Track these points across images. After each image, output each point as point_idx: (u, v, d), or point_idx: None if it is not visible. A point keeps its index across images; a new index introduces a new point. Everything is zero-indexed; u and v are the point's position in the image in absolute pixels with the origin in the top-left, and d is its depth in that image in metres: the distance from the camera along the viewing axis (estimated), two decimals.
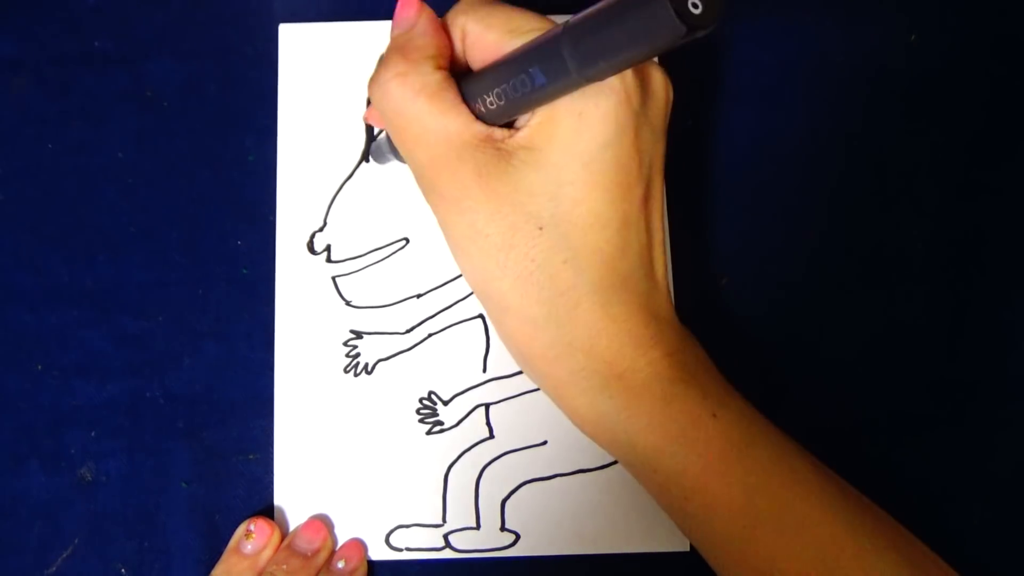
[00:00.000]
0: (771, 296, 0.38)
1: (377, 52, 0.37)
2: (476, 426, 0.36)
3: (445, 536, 0.35)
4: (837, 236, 0.38)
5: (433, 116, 0.28)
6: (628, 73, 0.27)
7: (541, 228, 0.27)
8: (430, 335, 0.37)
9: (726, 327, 0.37)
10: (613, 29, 0.22)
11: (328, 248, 0.37)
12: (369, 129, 0.38)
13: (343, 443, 0.36)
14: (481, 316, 0.37)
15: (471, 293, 0.37)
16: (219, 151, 0.38)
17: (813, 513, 0.28)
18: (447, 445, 0.36)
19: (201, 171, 0.38)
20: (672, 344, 0.29)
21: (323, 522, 0.35)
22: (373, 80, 0.29)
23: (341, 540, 0.35)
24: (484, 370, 0.36)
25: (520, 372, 0.36)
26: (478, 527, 0.35)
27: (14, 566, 0.35)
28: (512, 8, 0.28)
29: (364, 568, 0.35)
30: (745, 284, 0.38)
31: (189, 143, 0.38)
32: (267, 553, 0.34)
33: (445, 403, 0.36)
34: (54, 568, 0.35)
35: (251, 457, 0.36)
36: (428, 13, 0.29)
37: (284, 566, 0.34)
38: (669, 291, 0.30)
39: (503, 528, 0.35)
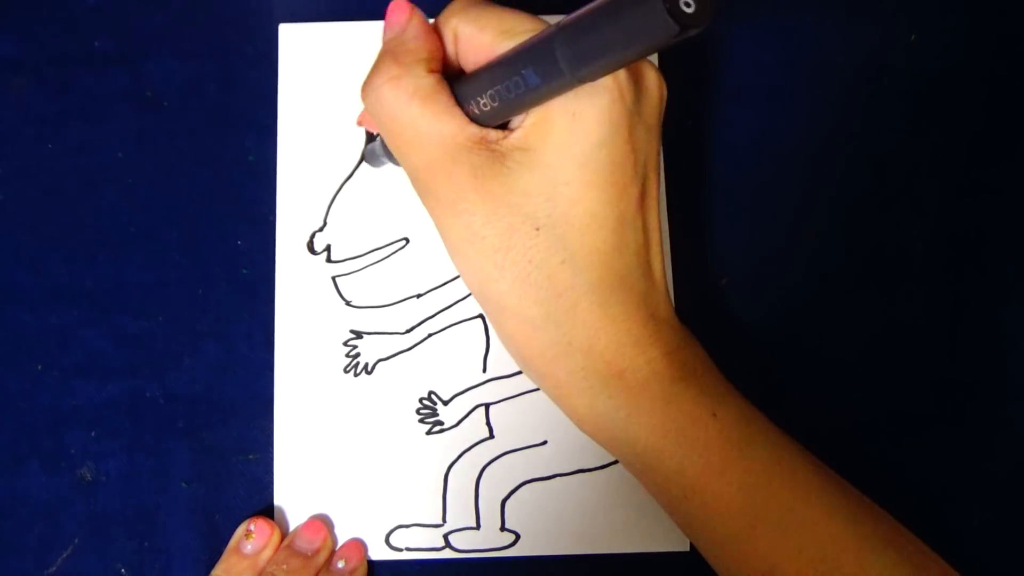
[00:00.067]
0: (771, 296, 0.38)
1: (377, 52, 0.37)
2: (476, 426, 0.36)
3: (445, 536, 0.35)
4: (837, 236, 0.38)
5: (427, 119, 0.27)
6: (621, 72, 0.27)
7: (538, 229, 0.27)
8: (430, 335, 0.37)
9: (726, 327, 0.37)
10: (606, 29, 0.22)
11: (328, 248, 0.37)
12: (368, 133, 0.38)
13: (343, 443, 0.36)
14: (481, 316, 0.37)
15: (471, 293, 0.37)
16: (219, 151, 0.38)
17: (813, 512, 0.28)
18: (447, 445, 0.36)
19: (201, 171, 0.38)
20: (671, 343, 0.29)
21: (323, 522, 0.35)
22: (366, 85, 0.29)
23: (341, 540, 0.35)
24: (484, 370, 0.36)
25: (520, 372, 0.36)
26: (478, 527, 0.35)
27: (14, 566, 0.35)
28: (504, 9, 0.28)
29: (364, 568, 0.35)
30: (745, 284, 0.38)
31: (189, 143, 0.38)
32: (267, 553, 0.34)
33: (445, 403, 0.36)
34: (54, 568, 0.35)
35: (251, 457, 0.36)
36: (419, 16, 0.29)
37: (284, 566, 0.34)
38: (667, 290, 0.30)
39: (503, 528, 0.35)
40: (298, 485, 0.35)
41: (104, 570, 0.35)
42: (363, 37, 0.38)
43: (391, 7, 0.29)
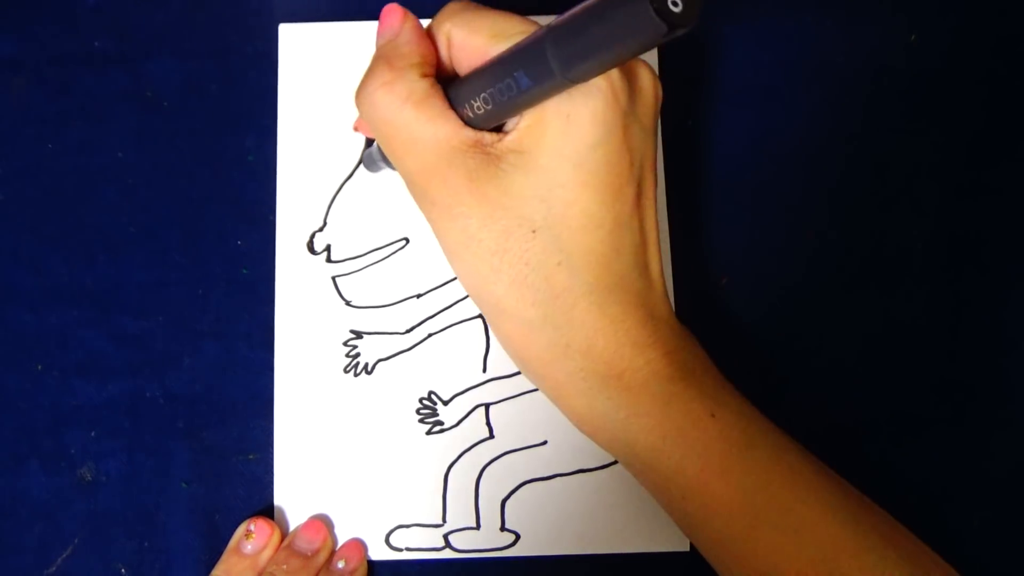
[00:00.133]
0: (771, 296, 0.38)
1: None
2: (476, 426, 0.36)
3: (445, 536, 0.35)
4: (837, 236, 0.38)
5: (421, 123, 0.27)
6: (615, 72, 0.27)
7: (534, 231, 0.27)
8: (430, 335, 0.37)
9: (726, 327, 0.37)
10: (595, 29, 0.22)
11: (328, 248, 0.37)
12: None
13: (343, 443, 0.36)
14: (481, 316, 0.37)
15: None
16: (219, 151, 0.38)
17: (812, 513, 0.28)
18: (447, 445, 0.36)
19: (201, 171, 0.38)
20: (670, 343, 0.29)
21: (323, 522, 0.35)
22: (359, 91, 0.29)
23: (341, 540, 0.35)
24: (484, 370, 0.36)
25: (520, 372, 0.36)
26: (478, 527, 0.35)
27: (14, 566, 0.35)
28: (497, 12, 0.28)
29: (364, 568, 0.35)
30: (745, 284, 0.38)
31: (189, 143, 0.38)
32: (267, 553, 0.34)
33: (445, 403, 0.36)
34: (54, 568, 0.35)
35: (251, 457, 0.36)
36: (412, 21, 0.29)
37: (284, 566, 0.34)
38: (666, 290, 0.30)
39: (503, 528, 0.35)
40: (298, 485, 0.35)
41: (104, 570, 0.35)
42: (363, 37, 0.38)
43: (384, 12, 0.29)
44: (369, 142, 0.37)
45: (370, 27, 0.38)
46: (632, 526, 0.35)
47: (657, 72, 0.38)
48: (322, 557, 0.34)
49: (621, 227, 0.28)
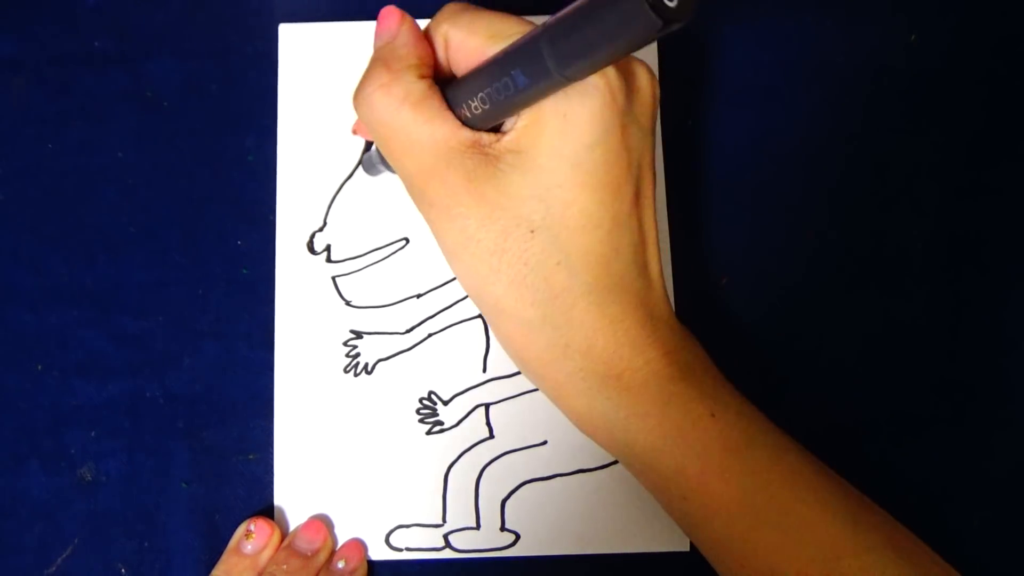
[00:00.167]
0: (771, 296, 0.38)
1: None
2: (476, 426, 0.36)
3: (445, 536, 0.35)
4: (837, 236, 0.38)
5: (418, 125, 0.27)
6: (612, 72, 0.27)
7: (532, 231, 0.27)
8: (430, 335, 0.37)
9: (726, 327, 0.37)
10: (590, 26, 0.23)
11: (328, 248, 0.37)
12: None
13: (343, 443, 0.36)
14: (481, 316, 0.37)
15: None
16: (219, 151, 0.38)
17: (812, 513, 0.28)
18: (447, 445, 0.36)
19: (201, 171, 0.38)
20: (670, 343, 0.29)
21: (323, 522, 0.35)
22: (357, 93, 0.29)
23: (341, 540, 0.35)
24: (484, 370, 0.36)
25: (520, 372, 0.36)
26: (478, 527, 0.35)
27: (14, 566, 0.35)
28: (493, 13, 0.28)
29: (364, 568, 0.35)
30: (745, 284, 0.38)
31: (189, 143, 0.38)
32: (267, 553, 0.34)
33: (445, 403, 0.36)
34: (54, 568, 0.35)
35: (251, 457, 0.36)
36: (409, 23, 0.29)
37: (284, 566, 0.34)
38: (666, 290, 0.30)
39: (503, 528, 0.35)
40: (298, 485, 0.35)
41: (104, 570, 0.35)
42: (363, 37, 0.38)
43: (381, 15, 0.29)
44: (368, 146, 0.37)
45: (370, 27, 0.38)
46: (632, 526, 0.35)
47: (657, 72, 0.38)
48: (322, 557, 0.34)
49: (620, 227, 0.28)
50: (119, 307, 0.37)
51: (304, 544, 0.34)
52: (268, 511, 0.35)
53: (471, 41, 0.28)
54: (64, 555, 0.35)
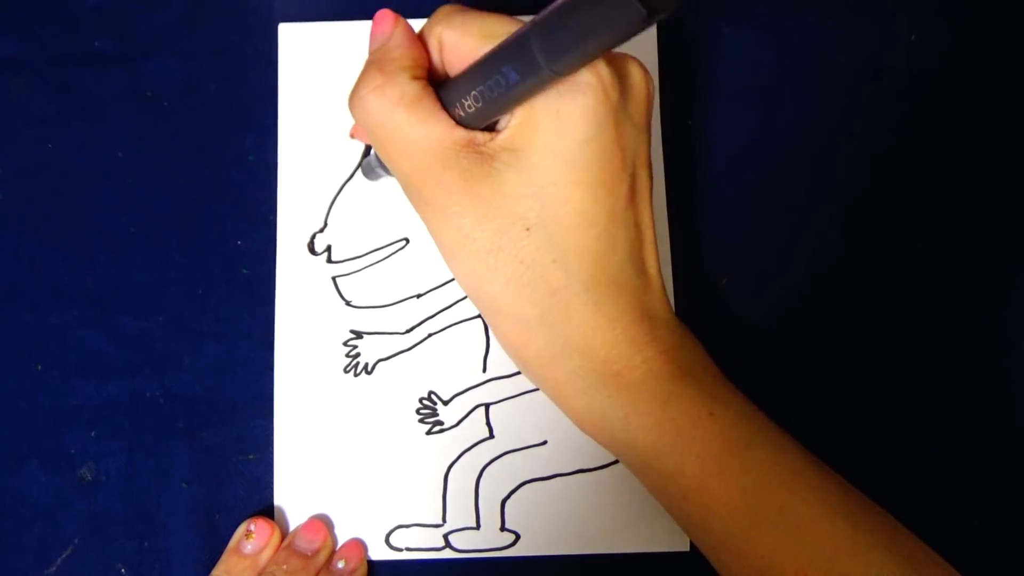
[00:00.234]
0: (771, 296, 0.38)
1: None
2: (476, 426, 0.36)
3: (445, 536, 0.35)
4: (837, 236, 0.38)
5: (413, 125, 0.28)
6: (605, 69, 0.27)
7: (528, 229, 0.27)
8: (430, 335, 0.37)
9: (726, 327, 0.37)
10: (577, 19, 0.23)
11: (329, 249, 0.37)
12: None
13: (343, 443, 0.36)
14: (481, 316, 0.37)
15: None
16: (219, 151, 0.38)
17: (812, 512, 0.28)
18: (447, 445, 0.36)
19: (201, 171, 0.38)
20: (668, 342, 0.29)
21: (323, 522, 0.35)
22: (352, 96, 0.29)
23: (341, 540, 0.35)
24: (484, 370, 0.36)
25: (520, 372, 0.36)
26: (478, 527, 0.35)
27: (14, 566, 0.35)
28: (487, 14, 0.28)
29: (364, 568, 0.35)
30: (745, 284, 0.38)
31: (189, 143, 0.38)
32: (267, 553, 0.34)
33: (445, 403, 0.36)
34: (54, 568, 0.35)
35: (251, 457, 0.36)
36: (403, 26, 0.29)
37: (284, 566, 0.34)
38: (664, 288, 0.30)
39: (503, 528, 0.35)
40: (298, 485, 0.35)
41: (104, 570, 0.35)
42: (363, 37, 0.38)
43: (376, 18, 0.30)
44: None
45: (370, 27, 0.38)
46: (632, 526, 0.35)
47: (657, 72, 0.38)
48: (322, 557, 0.34)
49: (615, 224, 0.28)
50: (119, 307, 0.37)
51: (304, 544, 0.34)
52: (268, 511, 0.35)
53: (465, 42, 0.28)
54: (64, 555, 0.35)
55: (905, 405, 0.37)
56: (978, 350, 0.37)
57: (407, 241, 0.37)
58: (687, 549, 0.35)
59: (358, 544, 0.35)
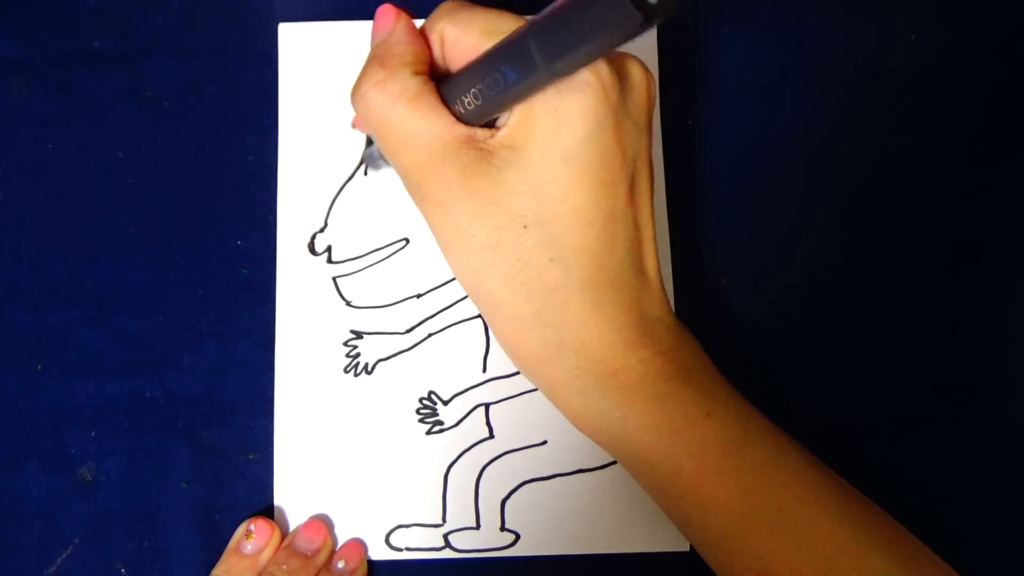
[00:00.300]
0: (771, 296, 0.38)
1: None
2: (476, 426, 0.36)
3: (445, 536, 0.35)
4: (837, 236, 0.38)
5: (413, 120, 0.28)
6: (605, 69, 0.27)
7: (526, 226, 0.27)
8: (430, 335, 0.37)
9: (726, 327, 0.37)
10: (574, 22, 0.23)
11: (329, 249, 0.37)
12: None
13: (343, 443, 0.36)
14: (481, 316, 0.37)
15: (466, 293, 0.37)
16: (219, 151, 0.38)
17: (810, 512, 0.28)
18: (447, 445, 0.36)
19: (201, 171, 0.38)
20: (665, 342, 0.29)
21: (323, 522, 0.35)
22: (354, 90, 0.29)
23: (341, 540, 0.35)
24: (484, 370, 0.36)
25: (520, 372, 0.36)
26: (478, 527, 0.35)
27: (14, 566, 0.35)
28: (489, 10, 0.28)
29: (364, 568, 0.35)
30: (745, 284, 0.38)
31: (189, 143, 0.38)
32: (267, 553, 0.34)
33: (445, 403, 0.36)
34: (54, 568, 0.35)
35: (251, 457, 0.36)
36: (405, 21, 0.29)
37: (284, 566, 0.34)
38: (663, 288, 0.30)
39: (503, 528, 0.35)
40: (298, 485, 0.35)
41: (104, 570, 0.35)
42: (363, 37, 0.38)
43: (378, 13, 0.30)
44: (370, 141, 0.37)
45: (370, 27, 0.38)
46: (632, 526, 0.35)
47: (657, 72, 0.38)
48: (322, 557, 0.34)
49: (614, 223, 0.28)
50: (119, 307, 0.37)
51: (304, 544, 0.34)
52: (268, 511, 0.35)
53: (466, 38, 0.28)
54: (64, 555, 0.35)
55: (905, 405, 0.37)
56: (978, 350, 0.37)
57: (407, 241, 0.37)
58: (687, 549, 0.35)
59: (358, 544, 0.35)
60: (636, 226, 0.29)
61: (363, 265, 0.37)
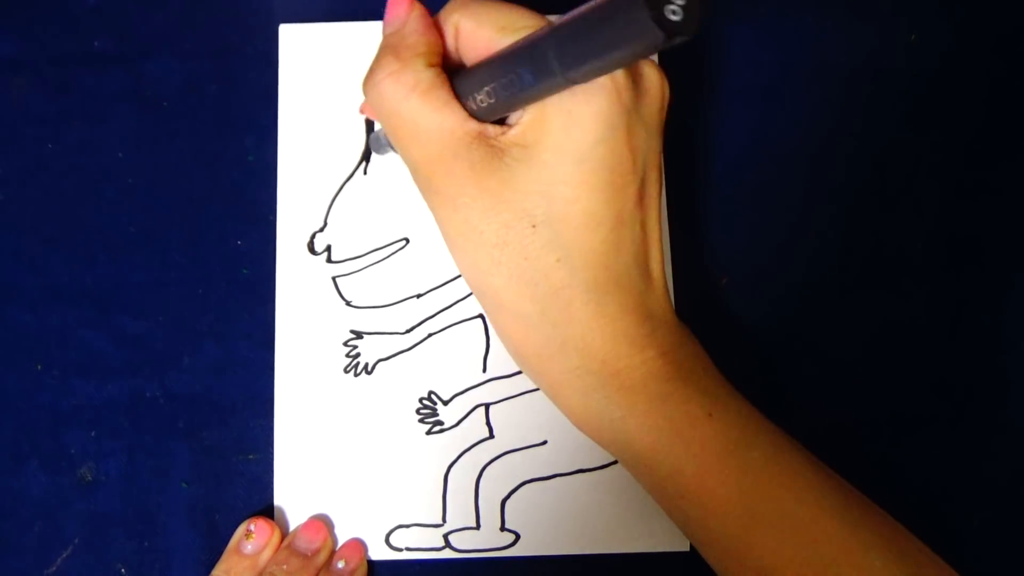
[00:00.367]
0: (771, 296, 0.38)
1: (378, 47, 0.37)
2: (476, 426, 0.36)
3: (445, 536, 0.35)
4: (837, 236, 0.38)
5: (426, 113, 0.28)
6: (620, 72, 0.27)
7: (534, 226, 0.27)
8: (430, 335, 0.37)
9: (726, 327, 0.37)
10: (595, 34, 0.23)
11: (328, 248, 0.37)
12: (368, 123, 0.38)
13: (343, 443, 0.36)
14: (481, 316, 0.37)
15: (471, 293, 0.37)
16: (219, 151, 0.38)
17: (810, 512, 0.28)
18: (447, 445, 0.36)
19: (201, 171, 0.38)
20: (667, 343, 0.29)
21: (323, 522, 0.35)
22: (367, 80, 0.29)
23: (341, 540, 0.35)
24: (484, 370, 0.36)
25: (520, 372, 0.36)
26: (478, 527, 0.35)
27: (14, 566, 0.35)
28: (505, 4, 0.28)
29: (364, 568, 0.35)
30: (745, 284, 0.38)
31: (189, 143, 0.38)
32: (267, 553, 0.34)
33: (445, 403, 0.36)
34: (54, 568, 0.35)
35: (251, 457, 0.36)
36: (419, 10, 0.29)
37: (284, 566, 0.34)
38: (666, 290, 0.30)
39: (503, 528, 0.35)
40: (298, 485, 0.35)
41: (104, 570, 0.35)
42: (363, 37, 0.38)
43: (391, 2, 0.29)
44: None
45: (371, 27, 0.38)
46: (632, 526, 0.35)
47: None
48: (322, 557, 0.34)
49: (622, 226, 0.28)
50: (119, 307, 0.37)
51: (304, 544, 0.34)
52: (268, 511, 0.35)
53: (481, 32, 0.28)
54: (64, 555, 0.35)
55: (905, 405, 0.37)
56: (978, 350, 0.37)
57: (407, 241, 0.37)
58: (687, 549, 0.35)
59: (358, 544, 0.35)
60: (643, 228, 0.29)
61: (363, 265, 0.37)
